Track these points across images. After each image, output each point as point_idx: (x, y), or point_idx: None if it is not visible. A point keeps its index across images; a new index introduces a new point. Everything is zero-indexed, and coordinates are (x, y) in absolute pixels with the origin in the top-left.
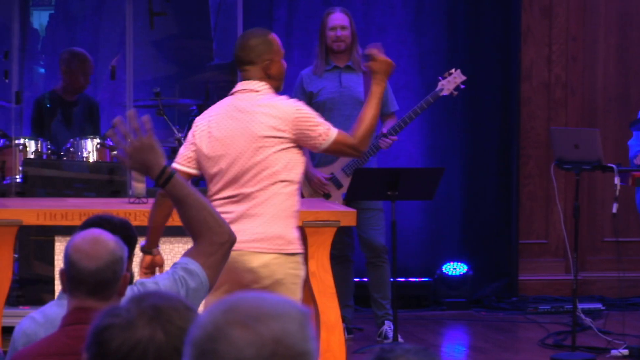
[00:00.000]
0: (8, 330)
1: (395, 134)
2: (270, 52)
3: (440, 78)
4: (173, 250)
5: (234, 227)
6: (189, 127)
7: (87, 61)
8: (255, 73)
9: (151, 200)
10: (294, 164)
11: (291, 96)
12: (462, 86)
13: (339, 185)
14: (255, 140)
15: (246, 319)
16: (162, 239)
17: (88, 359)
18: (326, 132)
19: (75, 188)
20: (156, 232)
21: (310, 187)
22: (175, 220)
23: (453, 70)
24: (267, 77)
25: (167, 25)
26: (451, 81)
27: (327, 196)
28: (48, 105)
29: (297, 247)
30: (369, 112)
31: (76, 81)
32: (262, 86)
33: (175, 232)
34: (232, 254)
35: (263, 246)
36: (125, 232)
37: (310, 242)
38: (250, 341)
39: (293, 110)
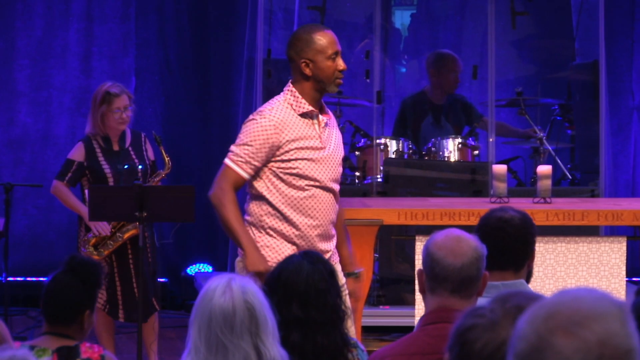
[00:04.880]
0: (367, 330)
1: None
2: (309, 51)
3: None
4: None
5: None
6: (551, 127)
7: (456, 61)
8: (293, 71)
9: (513, 200)
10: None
11: None
12: None
13: None
14: None
15: (568, 324)
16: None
17: (451, 358)
18: (229, 154)
19: (436, 187)
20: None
21: None
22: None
23: None
24: (303, 77)
25: (528, 24)
26: None
27: None
28: (417, 107)
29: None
30: (231, 228)
31: (446, 82)
32: (286, 87)
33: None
34: None
35: None
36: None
37: None
38: (577, 348)
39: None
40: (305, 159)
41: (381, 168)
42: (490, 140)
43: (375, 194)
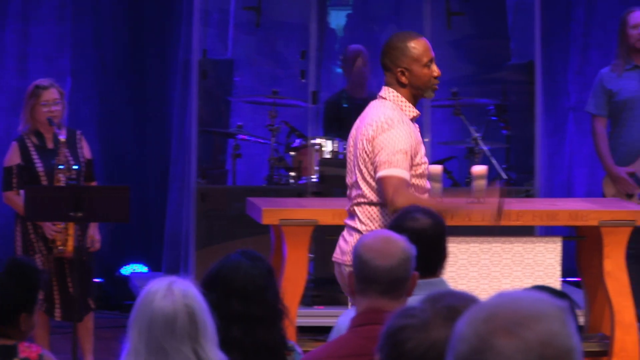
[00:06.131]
0: (302, 330)
1: None
2: (404, 59)
3: None
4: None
5: None
6: (486, 127)
7: (365, 55)
8: (389, 79)
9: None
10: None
11: (590, 94)
12: None
13: None
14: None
15: (509, 325)
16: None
17: (381, 359)
18: (388, 165)
19: None
20: None
21: (615, 188)
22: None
23: None
24: (400, 85)
25: (464, 25)
26: None
27: (629, 196)
28: (344, 105)
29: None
30: (427, 202)
31: (360, 76)
32: (387, 93)
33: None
34: None
35: None
36: None
37: (606, 242)
38: (518, 348)
39: (374, 133)
40: (424, 162)
41: (316, 168)
42: (426, 140)
43: (310, 194)
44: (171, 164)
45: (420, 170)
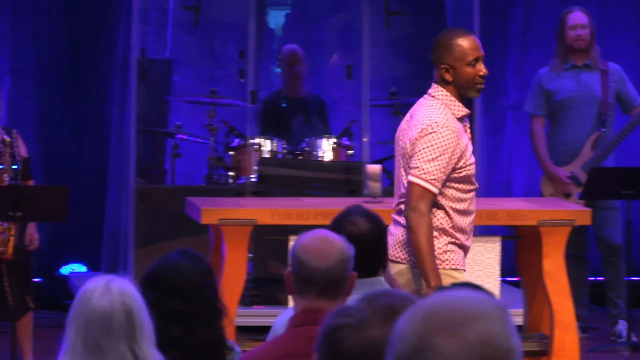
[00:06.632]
0: (241, 330)
1: (629, 133)
2: (449, 57)
3: None
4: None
5: None
6: None
7: (299, 54)
8: (437, 76)
9: (387, 200)
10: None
11: (529, 94)
12: None
13: (579, 184)
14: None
15: (449, 325)
16: None
17: (319, 358)
18: (419, 172)
19: (311, 187)
20: None
21: (553, 187)
22: None
23: None
24: (444, 82)
25: (403, 24)
26: None
27: (567, 195)
28: (282, 105)
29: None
30: (422, 254)
31: (294, 75)
32: (437, 91)
33: None
34: None
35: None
36: None
37: (545, 242)
38: (458, 347)
39: (417, 135)
40: (472, 163)
41: (255, 168)
42: (365, 140)
43: (249, 194)
44: (110, 163)
45: (463, 173)
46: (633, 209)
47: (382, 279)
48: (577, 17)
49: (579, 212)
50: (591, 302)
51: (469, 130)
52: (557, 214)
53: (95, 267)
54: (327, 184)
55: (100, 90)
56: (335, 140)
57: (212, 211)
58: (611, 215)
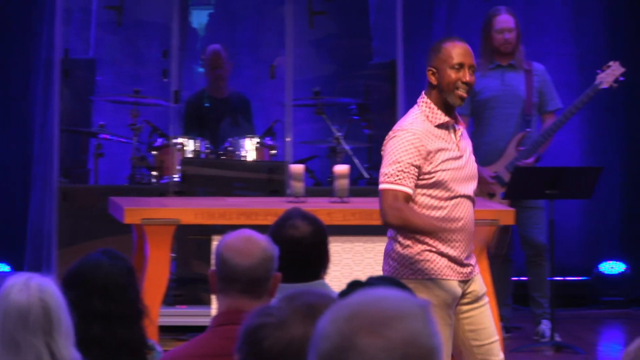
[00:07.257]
0: (165, 330)
1: (553, 133)
2: (435, 59)
3: (598, 71)
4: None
5: None
6: (348, 126)
7: (222, 54)
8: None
9: (310, 200)
10: None
11: None
12: (622, 78)
13: (503, 184)
14: None
15: (372, 324)
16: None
17: (240, 359)
18: (383, 178)
19: (234, 187)
20: None
21: (477, 187)
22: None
23: (611, 63)
24: (431, 86)
25: (326, 24)
26: (610, 74)
27: (491, 195)
28: (206, 105)
29: None
30: (416, 226)
31: (217, 76)
32: (421, 99)
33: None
34: None
35: None
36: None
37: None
38: (381, 347)
39: (384, 145)
40: (446, 169)
41: (178, 167)
42: (288, 139)
43: (172, 194)
44: (33, 163)
45: (434, 179)
46: (557, 208)
47: (324, 282)
48: (504, 21)
49: (502, 212)
50: (515, 301)
51: (458, 139)
52: (481, 213)
53: (18, 266)
54: (250, 184)
55: (23, 90)
56: (258, 140)
57: (135, 211)
58: (535, 215)
